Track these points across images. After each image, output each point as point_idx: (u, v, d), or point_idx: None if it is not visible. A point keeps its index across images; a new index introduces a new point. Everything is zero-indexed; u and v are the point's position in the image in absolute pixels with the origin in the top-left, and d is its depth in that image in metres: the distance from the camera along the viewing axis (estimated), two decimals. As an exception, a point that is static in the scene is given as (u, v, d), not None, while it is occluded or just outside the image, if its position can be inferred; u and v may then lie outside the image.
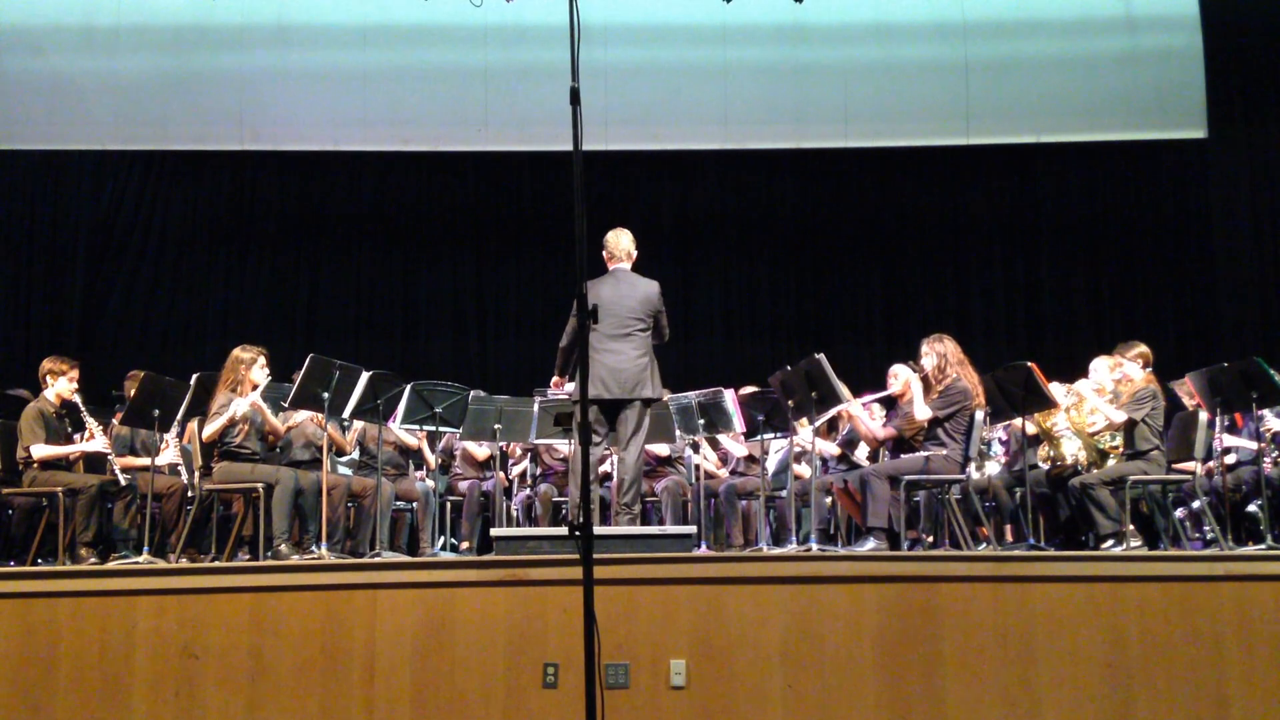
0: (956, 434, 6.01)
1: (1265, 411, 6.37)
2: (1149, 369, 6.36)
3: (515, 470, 7.81)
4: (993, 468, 7.08)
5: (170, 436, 6.62)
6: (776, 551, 5.91)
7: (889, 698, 4.76)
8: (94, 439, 6.32)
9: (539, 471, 7.54)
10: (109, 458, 6.35)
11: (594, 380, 5.51)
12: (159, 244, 10.03)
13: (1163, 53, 9.67)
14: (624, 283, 5.80)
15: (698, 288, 10.00)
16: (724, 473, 7.58)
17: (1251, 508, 6.48)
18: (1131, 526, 5.95)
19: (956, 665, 4.78)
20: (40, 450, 6.12)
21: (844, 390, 6.12)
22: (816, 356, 5.94)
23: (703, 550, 6.36)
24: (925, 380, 6.21)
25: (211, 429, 6.07)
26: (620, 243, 5.89)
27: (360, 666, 4.82)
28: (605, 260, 5.91)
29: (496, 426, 6.72)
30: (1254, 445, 6.48)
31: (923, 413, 6.08)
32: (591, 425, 5.60)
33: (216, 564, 5.87)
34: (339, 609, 4.89)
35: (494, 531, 5.64)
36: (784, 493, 6.92)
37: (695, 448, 7.22)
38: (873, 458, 6.96)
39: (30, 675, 4.84)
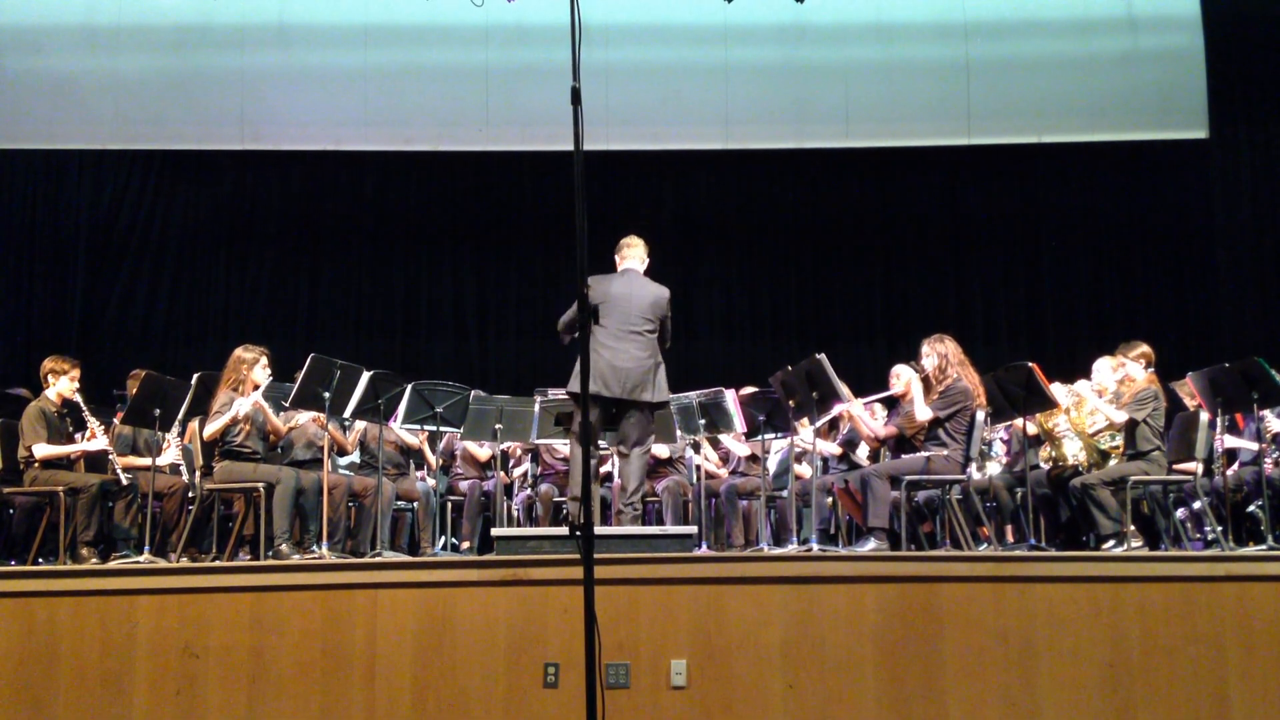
0: (957, 434, 6.01)
1: (1266, 412, 6.37)
2: (1151, 369, 6.36)
3: (516, 470, 7.81)
4: (994, 468, 7.07)
5: (171, 436, 6.62)
6: (777, 551, 5.92)
7: (889, 698, 4.76)
8: (95, 438, 6.31)
9: (540, 471, 7.54)
10: (110, 457, 6.34)
11: (595, 376, 5.41)
12: (160, 243, 10.02)
13: (1164, 53, 9.66)
14: (635, 283, 5.72)
15: (698, 288, 9.99)
16: (725, 473, 7.57)
17: (1252, 508, 6.47)
18: (1132, 527, 5.95)
19: (957, 665, 4.78)
20: (41, 449, 6.12)
21: (845, 390, 6.13)
22: (817, 356, 5.94)
23: (703, 550, 6.36)
24: (926, 380, 6.20)
25: (213, 428, 6.08)
26: (634, 246, 5.85)
27: (361, 666, 4.82)
28: (616, 260, 5.88)
29: (497, 426, 6.72)
30: (1255, 446, 6.48)
31: (923, 413, 6.08)
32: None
33: (217, 563, 5.87)
34: (340, 609, 4.89)
35: (495, 531, 5.63)
36: (785, 493, 6.92)
37: (696, 448, 7.22)
38: (873, 458, 6.95)
39: (31, 674, 4.84)
